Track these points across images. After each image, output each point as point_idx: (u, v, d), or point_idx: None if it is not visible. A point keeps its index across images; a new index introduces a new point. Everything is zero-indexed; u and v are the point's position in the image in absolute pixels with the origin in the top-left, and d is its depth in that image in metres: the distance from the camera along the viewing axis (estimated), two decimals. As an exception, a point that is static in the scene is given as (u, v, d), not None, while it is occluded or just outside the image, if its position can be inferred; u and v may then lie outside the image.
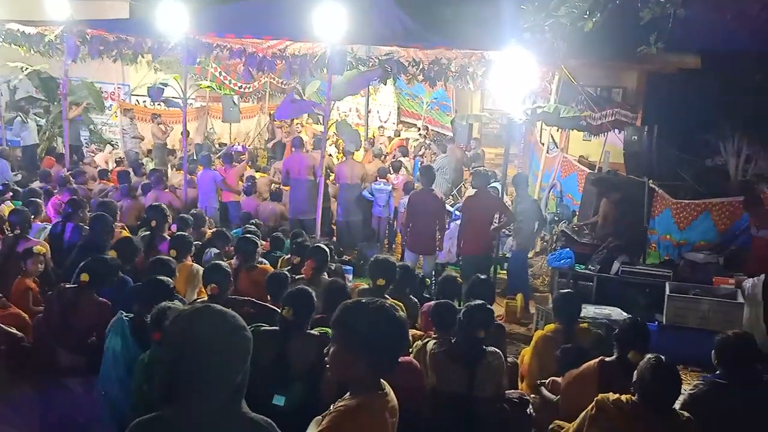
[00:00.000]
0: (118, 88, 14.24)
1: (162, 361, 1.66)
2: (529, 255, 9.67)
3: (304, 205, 9.01)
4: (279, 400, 1.89)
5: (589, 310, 6.06)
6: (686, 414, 2.78)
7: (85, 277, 4.06)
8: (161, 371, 1.64)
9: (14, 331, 4.09)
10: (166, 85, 11.39)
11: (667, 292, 6.18)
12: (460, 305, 4.36)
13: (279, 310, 3.59)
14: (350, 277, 6.80)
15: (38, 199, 6.74)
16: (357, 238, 9.40)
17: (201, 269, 4.64)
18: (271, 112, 14.50)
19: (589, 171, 9.48)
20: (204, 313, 1.66)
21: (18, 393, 3.78)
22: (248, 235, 5.31)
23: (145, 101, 13.92)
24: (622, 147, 9.23)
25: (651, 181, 8.01)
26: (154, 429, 1.62)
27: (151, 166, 11.24)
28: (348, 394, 1.99)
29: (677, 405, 3.35)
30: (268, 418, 1.73)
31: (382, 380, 2.04)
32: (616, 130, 8.41)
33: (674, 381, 2.75)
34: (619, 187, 7.82)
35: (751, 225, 6.82)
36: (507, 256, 8.65)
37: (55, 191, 7.91)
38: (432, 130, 14.98)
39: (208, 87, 12.28)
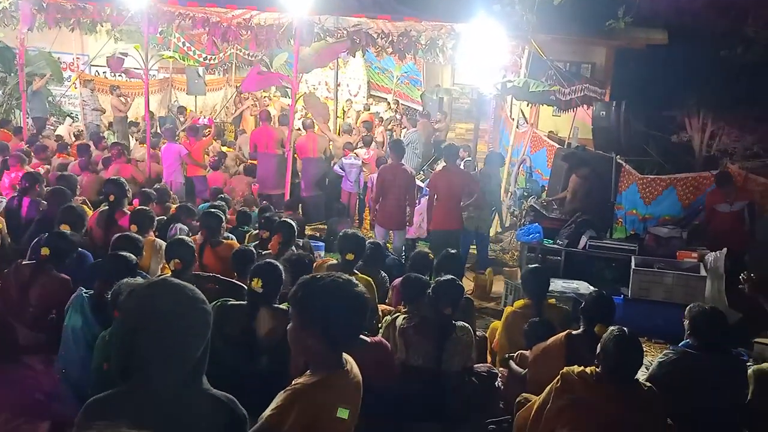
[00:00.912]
0: (77, 58, 13.77)
1: (118, 336, 1.59)
2: (499, 230, 9.76)
3: (271, 180, 8.88)
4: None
5: (557, 284, 6.12)
6: (648, 384, 2.82)
7: (45, 251, 3.92)
8: (117, 347, 1.57)
9: (-31, 308, 3.94)
10: (126, 55, 11.03)
11: (633, 266, 6.27)
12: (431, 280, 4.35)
13: (245, 286, 3.53)
14: (322, 253, 6.74)
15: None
16: (320, 213, 9.29)
17: (164, 244, 4.52)
18: (238, 85, 14.20)
19: (558, 146, 9.53)
20: (161, 287, 1.60)
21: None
22: (212, 210, 5.18)
23: (105, 72, 13.49)
24: (590, 122, 9.29)
25: (618, 156, 8.09)
26: (110, 406, 1.56)
27: (112, 139, 10.92)
28: (309, 371, 1.95)
29: (646, 372, 3.42)
30: (229, 395, 1.69)
31: (345, 357, 2.00)
32: (585, 106, 8.45)
33: (636, 352, 2.79)
34: (588, 163, 7.87)
35: (717, 202, 6.85)
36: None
37: (12, 165, 7.62)
38: (402, 104, 14.88)
39: (171, 57, 11.93)
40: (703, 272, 6.18)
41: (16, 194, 5.93)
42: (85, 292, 3.53)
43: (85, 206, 5.91)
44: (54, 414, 3.38)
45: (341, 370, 1.95)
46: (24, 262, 4.04)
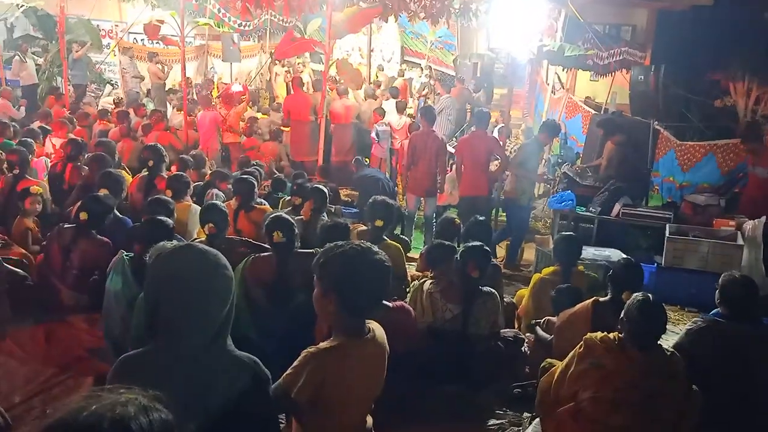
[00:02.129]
0: (116, 25, 13.96)
1: (145, 297, 1.67)
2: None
3: (305, 147, 8.95)
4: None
5: (588, 252, 6.08)
6: (671, 350, 2.82)
7: (84, 215, 4.09)
8: (146, 308, 1.65)
9: (18, 270, 4.14)
10: (162, 22, 11.14)
11: (667, 233, 6.18)
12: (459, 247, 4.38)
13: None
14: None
15: (31, 140, 6.69)
16: (350, 179, 9.33)
17: (199, 209, 4.65)
18: (272, 51, 14.22)
19: (594, 112, 9.35)
20: (185, 251, 1.67)
21: (23, 330, 3.86)
22: (244, 176, 5.28)
23: (142, 39, 13.66)
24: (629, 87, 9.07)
25: (656, 122, 7.90)
26: (140, 363, 1.65)
27: (151, 106, 11.12)
28: (332, 336, 2.03)
29: (674, 340, 3.41)
30: (253, 356, 1.75)
31: (370, 325, 2.05)
32: (624, 70, 8.24)
33: (659, 318, 2.78)
34: (624, 130, 7.71)
35: (748, 163, 6.68)
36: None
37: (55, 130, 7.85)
38: (435, 69, 14.70)
39: (206, 24, 12.00)
40: (740, 241, 6.06)
41: (59, 160, 6.14)
42: (125, 255, 3.68)
43: (124, 172, 6.09)
44: (97, 370, 3.57)
45: (360, 338, 2.00)
46: (66, 226, 4.22)
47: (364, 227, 4.80)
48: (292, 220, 3.66)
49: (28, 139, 6.60)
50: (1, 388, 3.30)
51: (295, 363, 1.96)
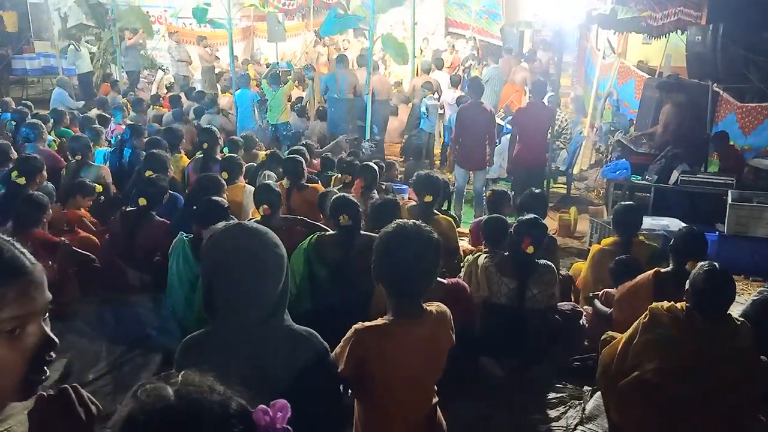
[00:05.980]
0: (165, 11, 14.17)
1: (202, 277, 1.70)
2: (584, 167, 9.46)
3: (342, 125, 8.95)
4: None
5: (645, 222, 5.91)
6: (741, 319, 2.72)
7: (142, 201, 4.23)
8: (202, 289, 1.68)
9: (85, 252, 4.31)
10: (209, 5, 11.25)
11: (729, 200, 5.96)
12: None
13: (328, 229, 3.71)
14: (405, 196, 6.79)
15: (98, 126, 6.89)
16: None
17: (253, 189, 4.72)
18: (317, 29, 14.21)
19: (647, 77, 9.02)
20: (235, 231, 1.68)
21: (91, 309, 4.03)
22: (292, 156, 5.33)
23: (191, 23, 13.84)
24: (684, 49, 8.70)
25: (715, 84, 7.57)
26: (201, 345, 1.68)
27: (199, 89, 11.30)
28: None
29: (739, 311, 3.30)
30: (310, 329, 1.76)
31: (428, 308, 2.04)
32: (679, 31, 7.90)
33: (728, 287, 2.67)
34: (685, 90, 7.41)
35: None
36: (560, 169, 8.46)
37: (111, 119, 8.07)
38: (480, 40, 14.39)
39: (252, 5, 12.10)
40: (809, 206, 5.80)
41: (116, 146, 6.32)
42: (185, 236, 3.78)
43: (180, 155, 6.23)
44: (164, 347, 3.70)
45: (412, 320, 2.00)
46: (128, 209, 4.37)
47: (414, 203, 4.80)
48: (357, 202, 3.63)
49: (98, 126, 6.78)
50: (74, 366, 3.46)
51: (345, 337, 1.99)
